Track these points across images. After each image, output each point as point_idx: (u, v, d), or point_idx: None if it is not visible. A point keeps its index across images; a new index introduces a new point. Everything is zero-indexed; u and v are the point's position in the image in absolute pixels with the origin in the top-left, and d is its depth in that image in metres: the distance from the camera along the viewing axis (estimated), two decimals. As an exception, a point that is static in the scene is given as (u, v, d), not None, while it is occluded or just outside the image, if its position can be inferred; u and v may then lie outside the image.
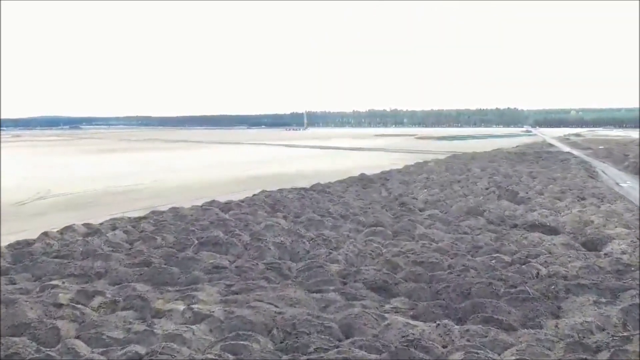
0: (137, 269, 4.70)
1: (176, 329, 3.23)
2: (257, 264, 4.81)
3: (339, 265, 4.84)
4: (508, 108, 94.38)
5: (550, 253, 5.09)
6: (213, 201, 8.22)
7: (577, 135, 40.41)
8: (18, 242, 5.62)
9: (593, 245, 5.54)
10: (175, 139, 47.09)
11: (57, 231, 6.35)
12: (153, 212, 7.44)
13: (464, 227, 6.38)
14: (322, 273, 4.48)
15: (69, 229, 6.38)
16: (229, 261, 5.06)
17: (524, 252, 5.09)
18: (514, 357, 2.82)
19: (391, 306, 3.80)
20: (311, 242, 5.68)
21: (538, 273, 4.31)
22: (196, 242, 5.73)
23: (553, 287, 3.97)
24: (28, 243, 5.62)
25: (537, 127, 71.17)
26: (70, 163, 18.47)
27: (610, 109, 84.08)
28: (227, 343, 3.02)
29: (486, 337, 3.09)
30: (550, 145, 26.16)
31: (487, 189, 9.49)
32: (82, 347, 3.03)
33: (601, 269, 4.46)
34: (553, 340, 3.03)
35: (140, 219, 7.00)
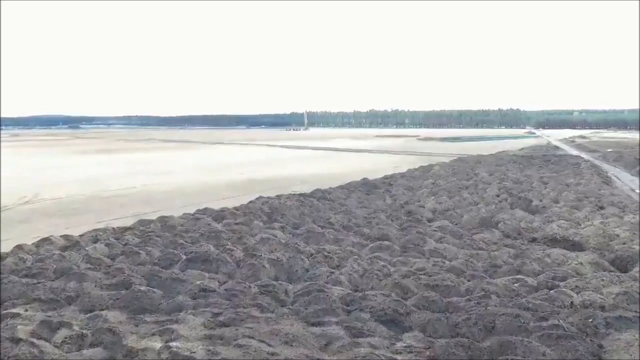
0: (114, 292, 4.15)
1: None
2: (249, 286, 4.26)
3: (342, 288, 4.30)
4: (510, 109, 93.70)
5: (579, 274, 4.55)
6: (206, 209, 7.68)
7: (582, 137, 39.84)
8: (-13, 257, 5.08)
9: (623, 263, 5.00)
10: (173, 139, 46.56)
11: (33, 244, 5.82)
12: (140, 222, 6.90)
13: (478, 241, 5.83)
14: (323, 299, 3.93)
15: (45, 241, 5.83)
16: (219, 282, 4.51)
17: (550, 274, 4.54)
18: None
19: (404, 344, 3.25)
20: (311, 258, 5.14)
21: (572, 303, 3.75)
22: (184, 257, 5.19)
23: (591, 320, 3.42)
24: (-2, 258, 5.08)
25: (540, 129, 70.48)
26: (63, 164, 17.93)
27: (613, 110, 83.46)
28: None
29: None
30: (556, 147, 25.60)
31: (497, 196, 8.94)
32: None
33: (642, 297, 3.91)
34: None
35: (125, 229, 6.46)
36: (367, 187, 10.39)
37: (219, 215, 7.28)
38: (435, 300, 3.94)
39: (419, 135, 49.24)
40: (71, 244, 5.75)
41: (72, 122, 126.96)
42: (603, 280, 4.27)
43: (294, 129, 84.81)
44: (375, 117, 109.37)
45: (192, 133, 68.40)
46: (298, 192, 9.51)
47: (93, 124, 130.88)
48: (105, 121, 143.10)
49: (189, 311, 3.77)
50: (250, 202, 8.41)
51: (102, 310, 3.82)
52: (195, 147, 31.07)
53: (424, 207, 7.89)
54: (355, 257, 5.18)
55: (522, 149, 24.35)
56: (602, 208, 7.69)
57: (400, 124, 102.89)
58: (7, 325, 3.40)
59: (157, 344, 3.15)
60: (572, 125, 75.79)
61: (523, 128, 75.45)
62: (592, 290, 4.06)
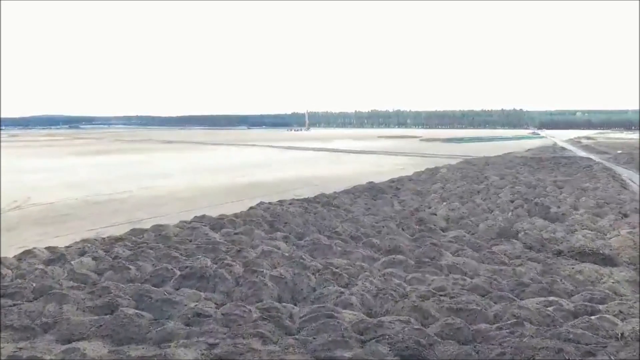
0: (97, 317, 3.68)
1: None
2: (249, 310, 3.79)
3: (354, 312, 3.82)
4: (514, 109, 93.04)
5: (618, 295, 4.08)
6: (204, 216, 7.21)
7: (588, 137, 39.32)
8: (-39, 274, 4.61)
9: (662, 281, 4.52)
10: (173, 139, 46.11)
11: (16, 256, 5.36)
12: (133, 231, 6.43)
13: (499, 254, 5.35)
14: (332, 326, 3.46)
15: (29, 254, 5.38)
16: (215, 304, 4.05)
17: (585, 295, 4.07)
18: None
19: (431, 388, 2.77)
20: (318, 275, 4.67)
21: (621, 334, 3.27)
22: (178, 273, 4.72)
23: (646, 356, 2.95)
24: (-27, 275, 4.61)
25: (544, 129, 69.95)
26: (58, 166, 17.47)
27: (616, 110, 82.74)
28: None
29: None
30: (563, 149, 25.10)
31: (512, 201, 8.46)
32: None
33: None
34: None
35: (116, 240, 6.00)
36: (373, 191, 9.92)
37: (218, 223, 6.81)
38: (460, 327, 3.47)
39: (421, 136, 48.75)
40: (56, 257, 5.28)
41: (73, 122, 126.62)
42: (648, 303, 3.79)
43: (295, 130, 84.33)
44: (377, 117, 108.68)
45: (192, 133, 67.98)
46: (301, 197, 9.04)
47: (93, 124, 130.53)
48: (106, 121, 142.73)
49: (181, 341, 3.31)
50: (251, 208, 7.95)
51: (82, 339, 3.35)
52: (194, 149, 30.61)
53: (435, 215, 7.41)
54: (367, 273, 4.72)
55: (529, 150, 23.86)
56: (625, 216, 7.21)
57: (402, 124, 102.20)
58: (-32, 361, 2.94)
59: (141, 388, 2.68)
60: (576, 125, 75.16)
61: (526, 128, 74.87)
62: None
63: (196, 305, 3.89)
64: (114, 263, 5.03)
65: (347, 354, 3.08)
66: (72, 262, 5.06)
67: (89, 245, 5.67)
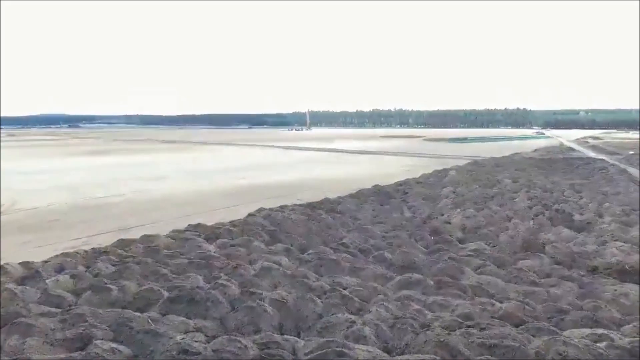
0: (64, 355, 3.11)
1: None
2: (245, 346, 3.21)
3: (368, 348, 3.24)
4: (517, 108, 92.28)
5: (676, 326, 3.49)
6: (198, 225, 6.64)
7: (594, 137, 38.69)
8: None
9: None
10: (172, 139, 45.56)
11: (-15, 273, 4.78)
12: (119, 242, 5.86)
13: (527, 271, 4.77)
14: (344, 369, 2.89)
15: (1, 270, 4.80)
16: (206, 336, 3.47)
17: (638, 324, 3.48)
18: None
19: None
20: (324, 298, 4.09)
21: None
22: (165, 295, 4.15)
23: None
24: None
25: (548, 129, 69.28)
26: (51, 168, 16.90)
27: (620, 110, 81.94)
28: None
29: None
30: (571, 149, 24.49)
31: (530, 208, 7.87)
32: None
33: None
34: None
35: (100, 253, 5.42)
36: (380, 196, 9.34)
37: (213, 232, 6.24)
38: (498, 371, 2.90)
39: (425, 136, 48.13)
40: (30, 274, 4.70)
41: (73, 121, 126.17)
42: None
43: (296, 129, 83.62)
44: (379, 116, 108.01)
45: (193, 133, 67.45)
46: (304, 202, 8.47)
47: (94, 123, 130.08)
48: (106, 120, 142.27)
49: (162, 389, 2.74)
50: (250, 215, 7.37)
51: (43, 386, 2.79)
52: (193, 149, 30.05)
53: (450, 223, 6.84)
54: (381, 295, 4.14)
55: (536, 150, 23.27)
56: (657, 224, 6.61)
57: (404, 123, 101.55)
58: None
59: None
60: (580, 125, 74.43)
61: (530, 128, 74.20)
62: None
63: (183, 339, 3.32)
64: (94, 282, 4.46)
65: (365, 411, 2.51)
66: (47, 281, 4.49)
67: (68, 260, 5.10)
